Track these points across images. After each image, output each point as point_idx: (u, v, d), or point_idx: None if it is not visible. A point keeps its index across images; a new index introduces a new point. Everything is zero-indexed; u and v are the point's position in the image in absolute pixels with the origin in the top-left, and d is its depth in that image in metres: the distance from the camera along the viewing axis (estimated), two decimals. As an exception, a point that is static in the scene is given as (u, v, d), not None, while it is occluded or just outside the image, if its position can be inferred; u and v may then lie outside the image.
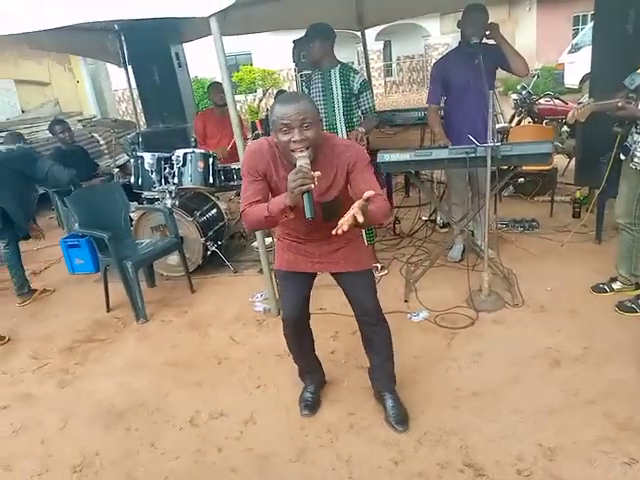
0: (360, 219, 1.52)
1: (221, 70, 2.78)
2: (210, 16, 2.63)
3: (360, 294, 2.15)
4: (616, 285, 3.12)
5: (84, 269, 4.48)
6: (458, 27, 3.39)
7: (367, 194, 1.55)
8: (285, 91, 5.82)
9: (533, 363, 2.58)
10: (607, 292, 3.12)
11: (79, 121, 8.85)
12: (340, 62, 3.49)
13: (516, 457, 2.00)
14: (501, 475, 1.93)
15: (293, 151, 1.76)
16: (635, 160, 2.70)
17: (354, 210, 1.53)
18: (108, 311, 3.69)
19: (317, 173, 1.66)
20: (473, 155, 2.96)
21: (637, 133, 2.68)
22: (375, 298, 2.17)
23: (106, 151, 8.01)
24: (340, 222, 1.54)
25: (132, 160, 4.30)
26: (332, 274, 2.20)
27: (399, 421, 2.23)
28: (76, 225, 3.61)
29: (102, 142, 8.08)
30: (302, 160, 1.71)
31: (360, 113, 3.57)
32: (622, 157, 2.83)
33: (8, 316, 3.77)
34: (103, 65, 11.66)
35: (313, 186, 1.65)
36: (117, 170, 4.97)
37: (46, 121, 7.74)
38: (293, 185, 1.64)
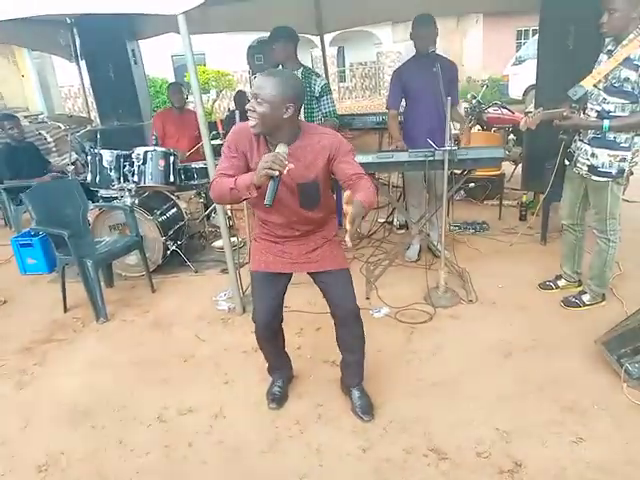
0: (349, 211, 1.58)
1: (189, 69, 2.79)
2: (179, 14, 2.65)
3: (339, 293, 2.18)
4: (561, 282, 3.36)
5: (37, 269, 4.32)
6: (411, 38, 3.54)
7: (352, 197, 1.64)
8: (243, 92, 5.81)
9: (487, 354, 2.75)
10: (553, 289, 3.36)
11: (25, 117, 8.52)
12: (303, 65, 3.57)
13: (475, 441, 2.14)
14: (462, 458, 2.06)
15: (248, 118, 1.84)
16: (578, 165, 2.92)
17: (346, 221, 1.59)
18: (65, 311, 3.59)
19: (291, 165, 1.73)
20: (432, 158, 3.13)
21: (580, 140, 2.90)
22: (354, 296, 2.20)
23: (54, 149, 7.75)
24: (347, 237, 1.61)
25: (89, 157, 4.19)
26: (309, 274, 2.22)
27: (365, 411, 2.32)
28: (33, 222, 3.49)
29: (50, 139, 7.81)
30: (281, 148, 1.78)
31: (321, 116, 3.66)
32: (566, 162, 3.06)
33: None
34: (49, 59, 11.19)
35: (282, 172, 1.71)
36: (72, 167, 4.84)
37: (-10, 116, 7.40)
38: (262, 165, 1.72)
